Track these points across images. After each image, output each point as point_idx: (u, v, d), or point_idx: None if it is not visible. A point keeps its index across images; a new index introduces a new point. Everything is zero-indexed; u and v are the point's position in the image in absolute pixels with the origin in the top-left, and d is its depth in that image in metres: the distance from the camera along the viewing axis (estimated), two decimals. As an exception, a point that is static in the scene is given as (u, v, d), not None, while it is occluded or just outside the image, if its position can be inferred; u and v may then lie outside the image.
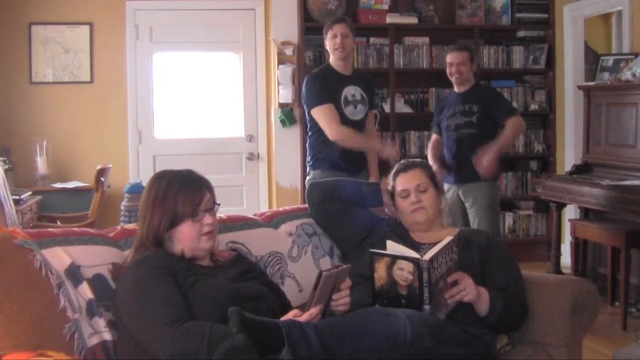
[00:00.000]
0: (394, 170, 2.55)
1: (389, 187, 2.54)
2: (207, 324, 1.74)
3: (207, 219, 2.00)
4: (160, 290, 1.82)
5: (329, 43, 3.86)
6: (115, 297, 1.91)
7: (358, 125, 3.89)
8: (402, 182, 2.47)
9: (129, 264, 1.95)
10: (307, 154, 4.00)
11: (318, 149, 3.88)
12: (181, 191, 1.98)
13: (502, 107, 4.29)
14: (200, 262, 2.03)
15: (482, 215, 4.25)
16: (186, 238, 1.98)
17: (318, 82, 3.82)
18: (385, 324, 1.82)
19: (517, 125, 4.24)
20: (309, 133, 3.96)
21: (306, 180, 4.01)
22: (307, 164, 3.99)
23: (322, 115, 3.77)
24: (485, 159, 4.09)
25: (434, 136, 4.60)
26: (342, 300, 2.01)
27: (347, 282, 2.04)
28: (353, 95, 3.86)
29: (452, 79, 4.36)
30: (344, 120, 3.81)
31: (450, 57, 4.35)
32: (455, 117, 4.35)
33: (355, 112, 3.87)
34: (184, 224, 1.97)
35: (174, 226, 1.98)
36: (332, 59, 3.91)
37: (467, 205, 4.32)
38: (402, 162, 2.57)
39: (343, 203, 2.54)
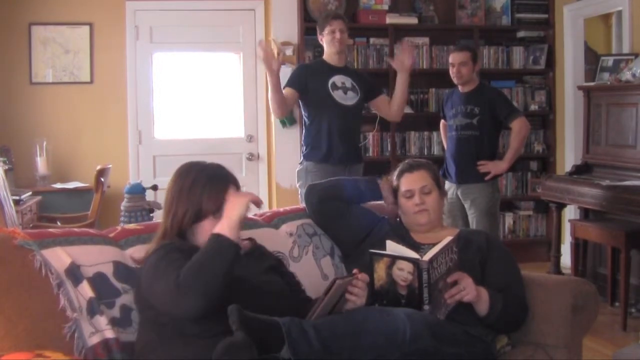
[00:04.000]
0: (399, 169, 2.55)
1: (393, 186, 2.53)
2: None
3: None
4: (177, 261, 1.81)
5: (328, 37, 4.00)
6: (138, 285, 1.92)
7: (349, 111, 4.00)
8: (407, 182, 2.47)
9: (152, 251, 1.95)
10: (303, 143, 4.07)
11: (314, 136, 3.96)
12: (207, 186, 1.99)
13: (505, 109, 4.30)
14: None
15: (479, 218, 4.25)
16: (208, 234, 1.97)
17: (301, 70, 4.07)
18: (385, 322, 1.82)
19: (522, 131, 4.29)
20: (306, 123, 4.04)
21: (297, 170, 4.04)
22: (302, 154, 4.06)
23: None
24: (493, 170, 4.27)
25: (442, 121, 4.73)
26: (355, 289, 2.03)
27: (364, 276, 2.05)
28: (342, 83, 4.00)
29: (454, 80, 4.37)
30: (333, 104, 3.96)
31: (451, 58, 4.36)
32: (457, 118, 4.36)
33: (346, 98, 3.99)
34: (207, 220, 1.98)
35: (198, 221, 1.98)
36: (327, 53, 4.07)
37: (465, 206, 4.32)
38: (407, 161, 2.57)
39: (342, 202, 2.54)
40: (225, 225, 1.82)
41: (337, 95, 3.96)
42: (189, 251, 1.86)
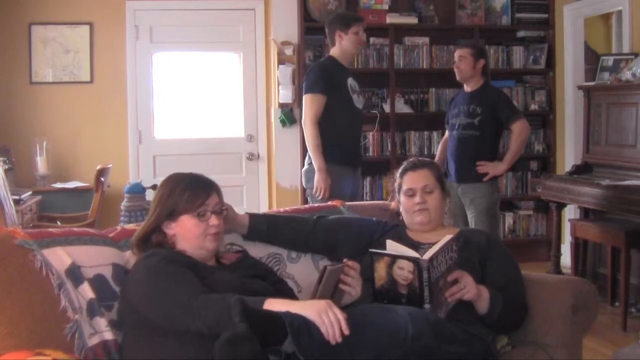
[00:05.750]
0: (402, 167, 2.53)
1: (395, 184, 2.53)
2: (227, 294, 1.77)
3: (214, 220, 2.04)
4: (174, 273, 1.85)
5: (353, 37, 3.94)
6: (124, 296, 1.93)
7: (361, 115, 4.04)
8: (409, 181, 2.46)
9: (137, 259, 1.98)
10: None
11: (332, 140, 3.87)
12: (187, 190, 2.04)
13: (506, 110, 4.26)
14: (205, 262, 2.05)
15: (478, 218, 4.23)
16: (191, 236, 2.01)
17: (324, 71, 3.92)
18: (387, 319, 1.82)
19: (522, 134, 4.25)
20: (321, 122, 3.89)
21: (303, 170, 4.03)
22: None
23: (310, 102, 3.87)
24: (491, 171, 4.24)
25: (445, 134, 4.66)
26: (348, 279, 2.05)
27: (354, 263, 2.06)
28: (355, 86, 4.01)
29: (456, 75, 4.39)
30: (351, 107, 3.92)
31: (455, 54, 4.40)
32: (459, 117, 4.36)
33: (359, 101, 4.00)
34: (187, 219, 2.01)
35: (173, 218, 2.01)
36: (343, 52, 3.98)
37: (465, 206, 4.32)
38: (411, 159, 2.55)
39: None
40: (285, 306, 1.78)
41: (355, 99, 3.94)
42: (174, 258, 1.92)
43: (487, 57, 4.53)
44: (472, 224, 4.25)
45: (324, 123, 3.87)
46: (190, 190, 2.03)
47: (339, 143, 3.88)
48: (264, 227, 2.36)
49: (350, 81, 3.96)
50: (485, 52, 4.53)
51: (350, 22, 3.95)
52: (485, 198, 4.26)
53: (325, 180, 3.78)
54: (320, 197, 3.76)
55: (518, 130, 4.25)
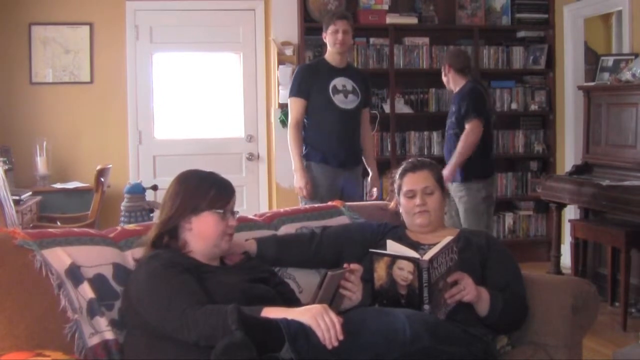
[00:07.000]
0: (401, 168, 2.52)
1: (395, 185, 2.52)
2: (224, 305, 1.75)
3: (232, 221, 2.07)
4: (176, 279, 1.85)
5: (330, 37, 4.00)
6: (126, 296, 1.93)
7: (349, 115, 4.02)
8: (409, 182, 2.45)
9: (140, 261, 1.98)
10: (303, 142, 4.05)
11: (314, 139, 3.99)
12: (213, 188, 2.04)
13: (464, 108, 4.20)
14: (210, 263, 2.05)
15: (465, 216, 4.24)
16: (210, 234, 2.01)
17: (304, 74, 4.03)
18: (385, 322, 1.82)
19: (469, 135, 4.14)
20: (306, 123, 4.03)
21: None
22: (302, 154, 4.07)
23: (291, 106, 4.03)
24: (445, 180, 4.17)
25: None
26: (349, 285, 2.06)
27: (355, 265, 2.07)
28: (343, 86, 4.01)
29: None
30: (333, 108, 3.96)
31: None
32: (447, 119, 4.42)
33: (346, 102, 4.00)
34: (209, 217, 2.01)
35: (195, 214, 2.00)
36: (329, 52, 4.07)
37: (455, 203, 4.33)
38: (411, 160, 2.54)
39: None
40: (281, 313, 1.77)
41: (338, 99, 3.96)
42: (177, 262, 1.91)
43: (458, 57, 4.40)
44: (462, 222, 4.26)
45: (308, 124, 4.01)
46: (216, 190, 2.04)
47: (320, 143, 3.96)
48: (273, 253, 2.36)
49: (337, 81, 3.99)
50: (453, 54, 4.49)
51: (330, 21, 4.02)
52: (470, 196, 4.24)
53: (299, 179, 3.93)
54: (304, 195, 3.92)
55: (468, 130, 4.15)
